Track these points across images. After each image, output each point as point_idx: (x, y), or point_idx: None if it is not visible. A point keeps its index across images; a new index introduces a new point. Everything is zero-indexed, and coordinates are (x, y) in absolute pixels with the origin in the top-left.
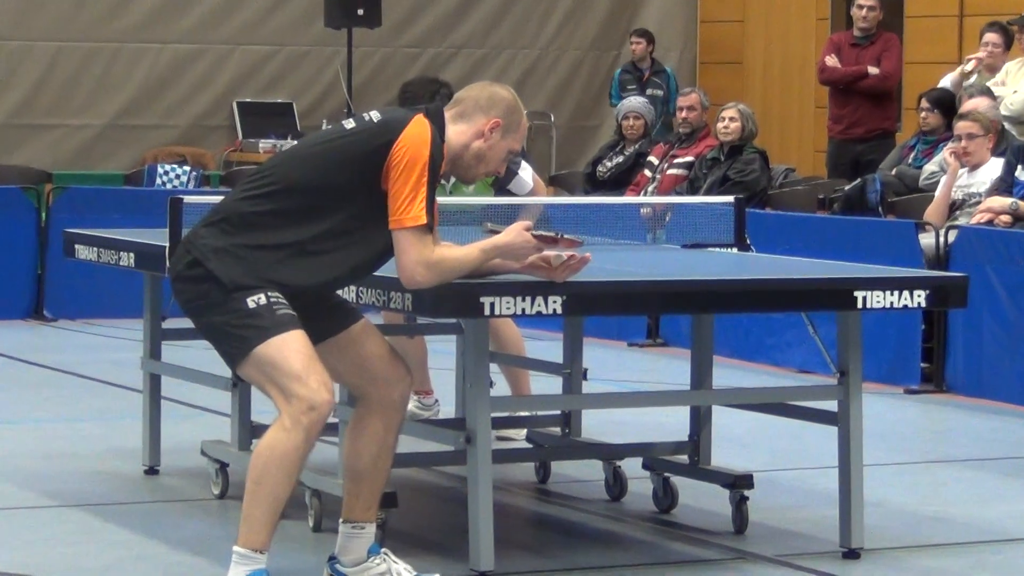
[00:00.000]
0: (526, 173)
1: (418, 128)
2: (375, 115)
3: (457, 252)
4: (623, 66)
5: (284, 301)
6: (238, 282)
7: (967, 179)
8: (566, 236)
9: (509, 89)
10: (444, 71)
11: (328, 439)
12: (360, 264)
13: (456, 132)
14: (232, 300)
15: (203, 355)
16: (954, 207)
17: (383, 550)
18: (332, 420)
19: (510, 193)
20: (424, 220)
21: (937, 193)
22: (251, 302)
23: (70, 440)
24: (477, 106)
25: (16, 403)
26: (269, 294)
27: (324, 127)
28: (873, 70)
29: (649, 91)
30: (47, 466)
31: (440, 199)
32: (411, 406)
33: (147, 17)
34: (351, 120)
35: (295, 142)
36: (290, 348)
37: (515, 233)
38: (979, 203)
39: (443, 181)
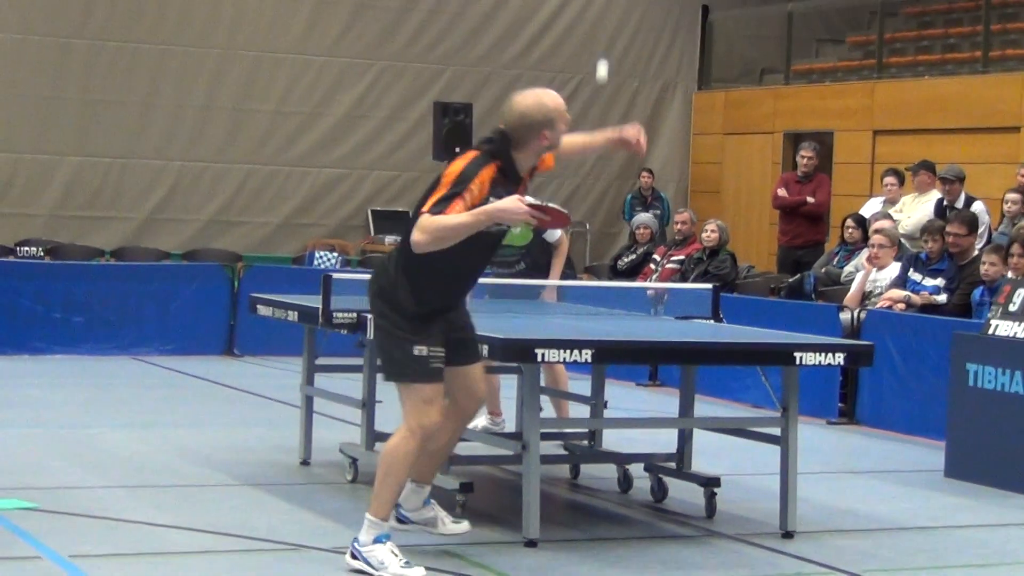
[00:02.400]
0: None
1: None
2: None
3: (449, 216)
4: (632, 193)
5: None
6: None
7: (875, 276)
8: (552, 205)
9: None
10: None
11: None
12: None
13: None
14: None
15: (342, 383)
16: (865, 296)
17: (432, 501)
18: None
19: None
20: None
21: (853, 286)
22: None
23: (248, 439)
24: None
25: (211, 412)
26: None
27: None
28: (811, 199)
29: (650, 211)
30: (231, 456)
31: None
32: (486, 422)
33: (311, 148)
34: None
35: None
36: (430, 390)
37: (511, 200)
38: (883, 294)
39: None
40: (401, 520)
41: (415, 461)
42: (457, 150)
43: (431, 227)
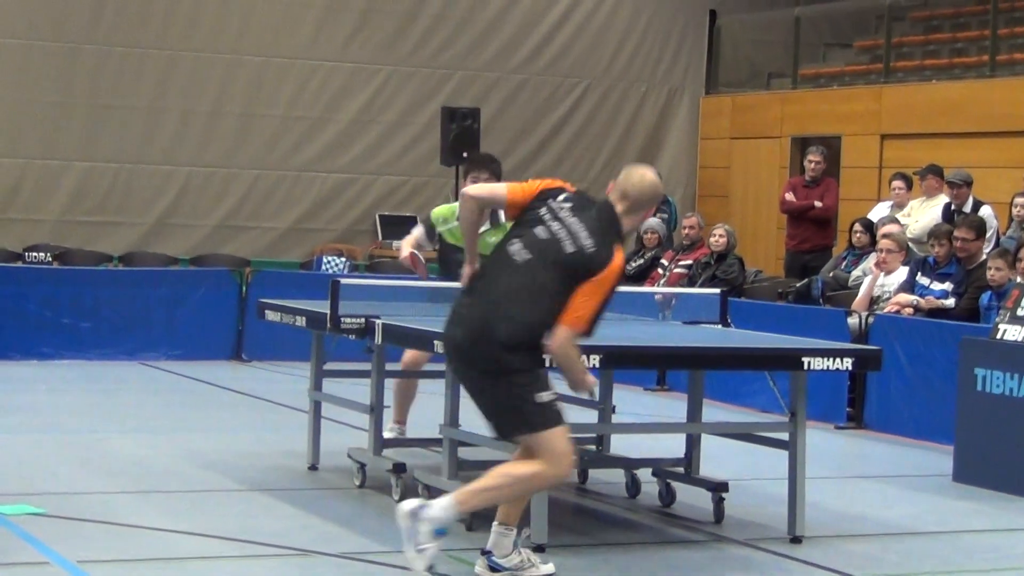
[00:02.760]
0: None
1: None
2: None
3: (576, 348)
4: None
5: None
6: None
7: (882, 281)
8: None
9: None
10: None
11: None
12: None
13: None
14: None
15: (350, 388)
16: (873, 301)
17: (519, 543)
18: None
19: None
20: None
21: (861, 290)
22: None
23: (255, 444)
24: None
25: (219, 418)
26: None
27: None
28: (818, 203)
29: (658, 215)
30: (238, 461)
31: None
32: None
33: (319, 153)
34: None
35: None
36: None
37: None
38: (891, 298)
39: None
40: (494, 569)
41: (536, 491)
42: (464, 155)
43: (571, 340)
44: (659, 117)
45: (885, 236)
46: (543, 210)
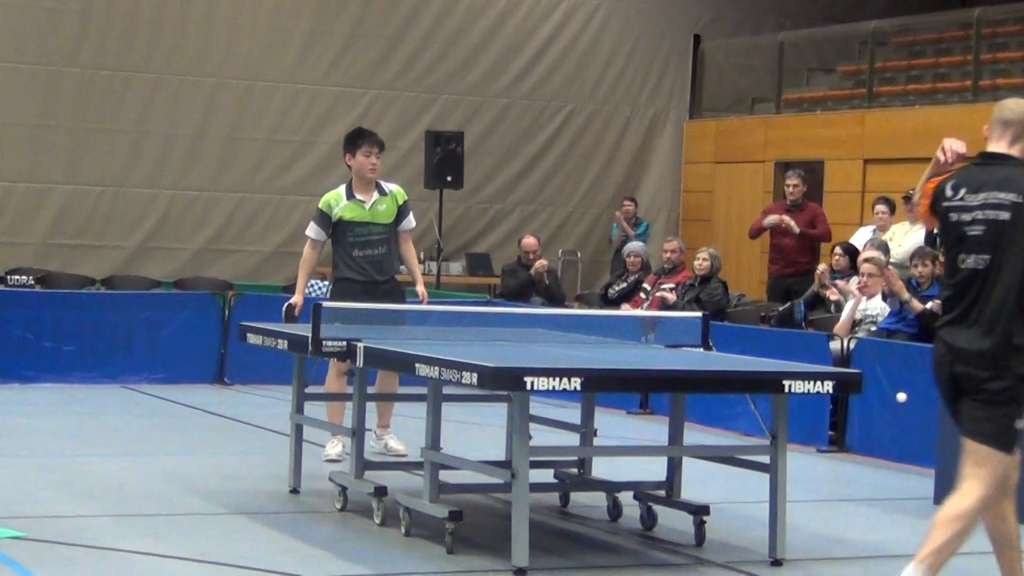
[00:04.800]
0: (412, 216)
1: None
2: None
3: None
4: (615, 222)
5: None
6: None
7: (864, 305)
8: None
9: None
10: (505, 222)
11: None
12: None
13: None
14: None
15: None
16: (855, 324)
17: None
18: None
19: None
20: None
21: (843, 314)
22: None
23: (237, 467)
24: None
25: (201, 441)
26: None
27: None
28: (787, 220)
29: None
30: (221, 485)
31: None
32: (378, 441)
33: (303, 177)
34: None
35: None
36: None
37: None
38: (873, 322)
39: (362, 200)
40: None
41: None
42: (449, 179)
43: None
44: (643, 141)
45: (867, 260)
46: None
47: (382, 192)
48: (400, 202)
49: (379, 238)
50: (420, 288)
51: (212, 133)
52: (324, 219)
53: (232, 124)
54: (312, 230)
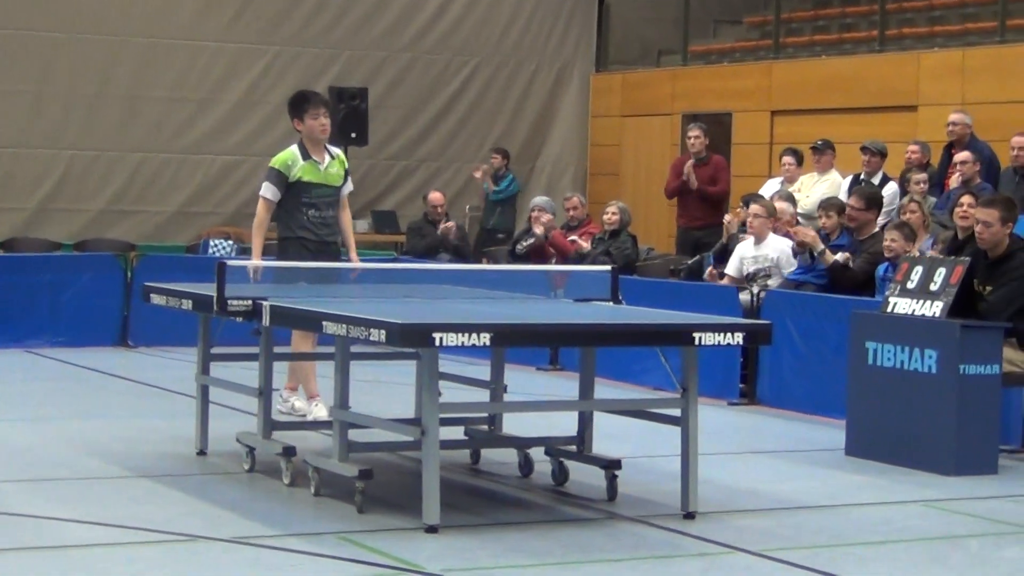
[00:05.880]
0: (350, 182)
1: None
2: None
3: None
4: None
5: None
6: None
7: (754, 251)
8: None
9: None
10: (411, 179)
11: (326, 432)
12: None
13: None
14: None
15: (239, 372)
16: (751, 278)
17: None
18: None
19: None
20: None
21: (732, 256)
22: None
23: (143, 430)
24: None
25: (106, 404)
26: None
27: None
28: (693, 182)
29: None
30: (126, 448)
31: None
32: (312, 407)
33: (205, 135)
34: None
35: None
36: None
37: None
38: (767, 275)
39: (318, 161)
40: None
41: None
42: (353, 135)
43: None
44: (549, 95)
45: (756, 200)
46: None
47: (331, 155)
48: (346, 166)
49: (330, 200)
50: (353, 255)
51: (112, 92)
52: (281, 179)
53: (133, 83)
54: (268, 190)
